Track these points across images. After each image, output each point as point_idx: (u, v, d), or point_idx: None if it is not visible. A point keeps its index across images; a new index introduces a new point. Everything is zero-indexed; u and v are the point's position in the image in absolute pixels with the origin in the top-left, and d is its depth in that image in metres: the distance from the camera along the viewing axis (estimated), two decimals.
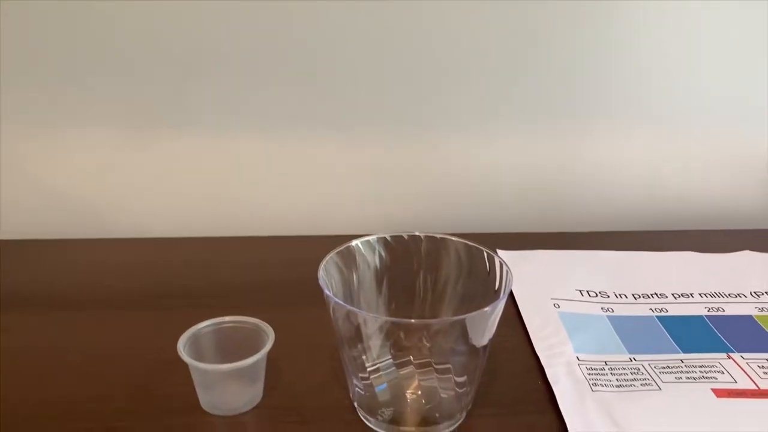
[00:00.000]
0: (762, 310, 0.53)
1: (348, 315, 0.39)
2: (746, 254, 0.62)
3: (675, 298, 0.55)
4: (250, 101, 0.64)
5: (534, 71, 0.65)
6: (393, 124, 0.67)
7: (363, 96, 0.65)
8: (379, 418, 0.41)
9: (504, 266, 0.42)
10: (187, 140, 0.66)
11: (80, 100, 0.63)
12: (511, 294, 0.55)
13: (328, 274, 0.42)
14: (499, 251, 0.61)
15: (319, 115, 0.66)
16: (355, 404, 0.42)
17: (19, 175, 0.66)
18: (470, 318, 0.38)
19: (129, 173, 0.67)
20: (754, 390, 0.44)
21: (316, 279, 0.40)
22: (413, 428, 0.41)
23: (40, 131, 0.64)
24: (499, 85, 0.66)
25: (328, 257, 0.42)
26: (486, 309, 0.38)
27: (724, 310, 0.53)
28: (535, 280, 0.57)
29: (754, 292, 0.56)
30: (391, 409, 0.41)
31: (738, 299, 0.55)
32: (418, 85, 0.65)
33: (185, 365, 0.41)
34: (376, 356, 0.40)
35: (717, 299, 0.55)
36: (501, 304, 0.39)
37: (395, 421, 0.41)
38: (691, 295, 0.55)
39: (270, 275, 0.59)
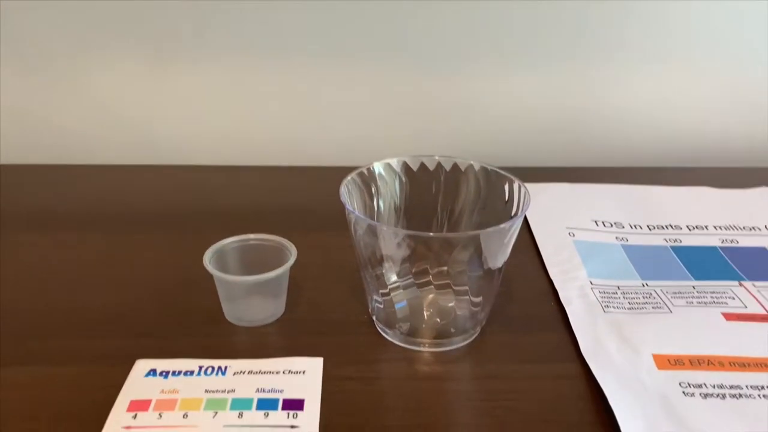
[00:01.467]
0: None
1: (368, 229, 0.40)
2: (763, 190, 0.62)
3: (689, 229, 0.56)
4: (272, 34, 0.65)
5: (553, 12, 0.65)
6: (414, 59, 0.67)
7: (384, 30, 0.65)
8: (397, 331, 0.42)
9: (522, 188, 0.43)
10: (208, 70, 0.66)
11: (99, 26, 0.64)
12: (527, 224, 0.56)
13: (349, 194, 0.43)
14: None
15: (343, 49, 0.66)
16: (374, 318, 0.44)
17: (39, 104, 0.67)
18: (485, 234, 0.39)
19: (157, 100, 0.68)
20: (764, 314, 0.45)
21: (337, 206, 0.41)
22: (428, 340, 0.42)
23: (56, 60, 0.65)
24: (518, 24, 0.65)
25: (349, 177, 0.43)
26: (502, 226, 0.39)
27: (737, 242, 0.54)
28: (551, 211, 0.57)
29: None
30: (408, 323, 0.42)
31: (752, 232, 0.55)
32: (439, 19, 0.65)
33: (210, 281, 0.43)
34: (396, 274, 0.41)
35: (731, 231, 0.55)
36: (517, 223, 0.40)
37: (412, 333, 0.42)
38: (705, 227, 0.56)
39: (292, 202, 0.60)
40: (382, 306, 0.43)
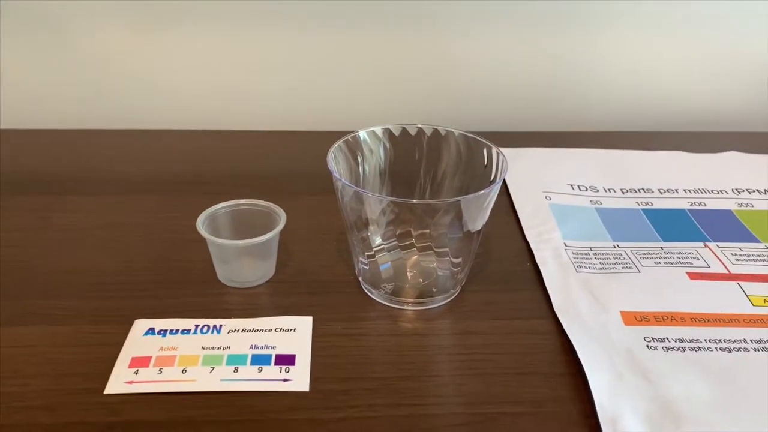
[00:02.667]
0: (741, 205, 0.57)
1: (354, 196, 0.42)
2: (732, 155, 0.64)
3: (660, 193, 0.58)
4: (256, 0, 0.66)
5: None
6: (395, 22, 0.68)
7: None
8: (381, 290, 0.45)
9: (500, 155, 0.45)
10: (199, 35, 0.67)
11: None
12: (506, 187, 0.58)
13: (336, 161, 0.45)
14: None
15: (326, 13, 0.67)
16: (360, 279, 0.46)
17: (35, 65, 0.68)
18: (465, 200, 0.41)
19: (145, 65, 0.68)
20: (725, 274, 0.48)
21: (324, 169, 0.43)
22: (411, 299, 0.45)
23: (51, 21, 0.66)
24: None
25: (336, 145, 0.45)
26: (481, 192, 0.41)
27: (705, 205, 0.57)
28: (528, 175, 0.60)
29: (735, 189, 0.59)
30: (393, 284, 0.45)
31: (720, 195, 0.58)
32: None
33: (203, 244, 0.45)
34: (381, 238, 0.43)
35: (699, 195, 0.58)
36: (495, 188, 0.42)
37: (396, 293, 0.45)
38: (675, 190, 0.59)
39: (281, 166, 0.62)
40: (367, 267, 0.45)
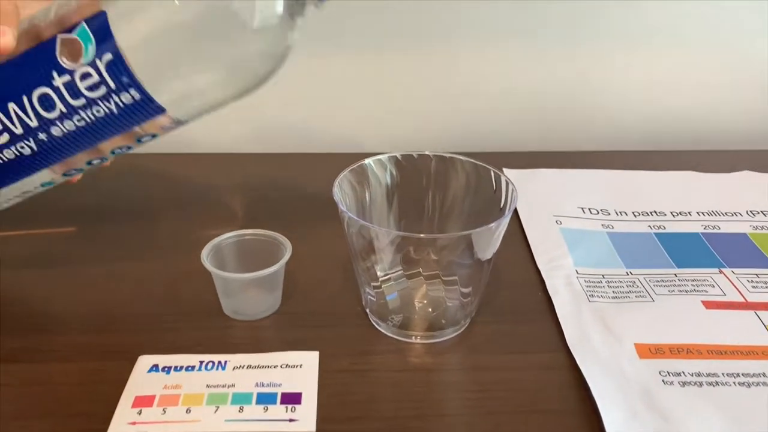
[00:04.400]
0: (756, 228, 0.56)
1: (361, 229, 0.41)
2: (746, 174, 0.63)
3: (673, 216, 0.57)
4: None
5: None
6: (402, 41, 0.67)
7: (370, 12, 0.65)
8: (389, 323, 0.44)
9: (510, 185, 0.44)
10: None
11: None
12: (516, 210, 0.57)
13: (342, 191, 0.44)
14: (504, 170, 0.63)
15: (332, 35, 0.66)
16: (367, 311, 0.45)
17: None
18: (476, 233, 0.40)
19: None
20: (742, 302, 0.47)
21: (329, 194, 0.42)
22: (420, 333, 0.44)
23: None
24: (506, 6, 0.66)
25: (341, 175, 0.45)
26: (491, 225, 0.40)
27: (719, 228, 0.56)
28: (538, 198, 0.59)
29: (750, 211, 0.58)
30: (401, 315, 0.44)
31: (734, 217, 0.57)
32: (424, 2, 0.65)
33: (208, 275, 0.44)
34: (387, 267, 0.43)
35: (713, 217, 0.57)
36: (505, 220, 0.41)
37: (404, 326, 0.44)
38: (689, 213, 0.58)
39: (287, 190, 0.61)
40: (374, 299, 0.44)
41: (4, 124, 0.41)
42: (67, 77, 0.40)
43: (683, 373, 0.41)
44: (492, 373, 0.41)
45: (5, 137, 0.41)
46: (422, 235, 0.40)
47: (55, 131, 0.41)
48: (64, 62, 0.39)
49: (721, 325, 0.45)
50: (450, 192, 0.48)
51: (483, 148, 0.69)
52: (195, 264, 0.44)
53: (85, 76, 0.39)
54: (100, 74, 0.39)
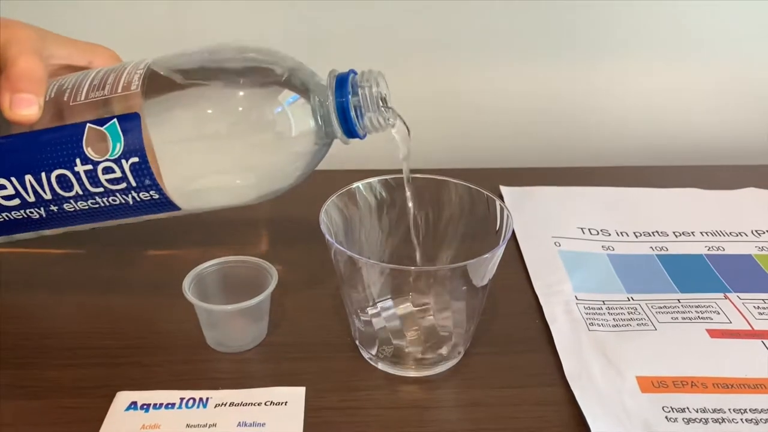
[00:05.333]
0: (762, 249, 0.54)
1: (349, 259, 0.39)
2: (750, 191, 0.61)
3: (676, 236, 0.55)
4: (253, 23, 0.63)
5: (541, 9, 0.64)
6: (399, 56, 0.65)
7: (364, 27, 0.64)
8: (380, 354, 0.42)
9: (505, 210, 0.42)
10: None
11: None
12: (513, 231, 0.55)
13: (329, 218, 0.42)
14: (501, 187, 0.61)
15: (321, 47, 0.64)
16: (357, 342, 0.43)
17: None
18: (470, 264, 0.38)
19: None
20: (748, 330, 0.45)
21: (317, 216, 0.41)
22: (412, 366, 0.42)
23: None
24: (505, 20, 0.64)
25: (329, 201, 0.43)
26: (486, 255, 0.38)
27: (724, 249, 0.54)
28: (536, 218, 0.57)
29: (756, 231, 0.56)
30: (392, 346, 0.42)
31: (738, 237, 0.55)
32: (421, 12, 0.64)
33: (189, 303, 0.42)
34: (377, 297, 0.41)
35: (717, 237, 0.55)
36: (501, 250, 0.40)
37: (395, 357, 0.42)
38: (692, 233, 0.56)
39: (273, 211, 0.59)
40: (363, 329, 0.42)
41: (17, 191, 0.41)
42: (89, 166, 0.40)
43: (687, 408, 0.39)
44: (487, 409, 0.39)
45: (16, 201, 0.41)
46: (413, 268, 0.38)
47: (68, 207, 0.41)
48: (89, 153, 0.39)
49: (726, 356, 0.43)
50: (443, 214, 0.46)
51: (480, 163, 0.67)
52: (176, 292, 0.42)
53: (108, 170, 0.40)
54: (123, 172, 0.40)
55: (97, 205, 0.41)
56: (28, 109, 0.38)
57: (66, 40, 0.45)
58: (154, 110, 0.39)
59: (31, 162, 0.40)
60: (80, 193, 0.41)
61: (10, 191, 0.41)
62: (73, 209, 0.42)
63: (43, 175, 0.40)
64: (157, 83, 0.40)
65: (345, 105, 0.41)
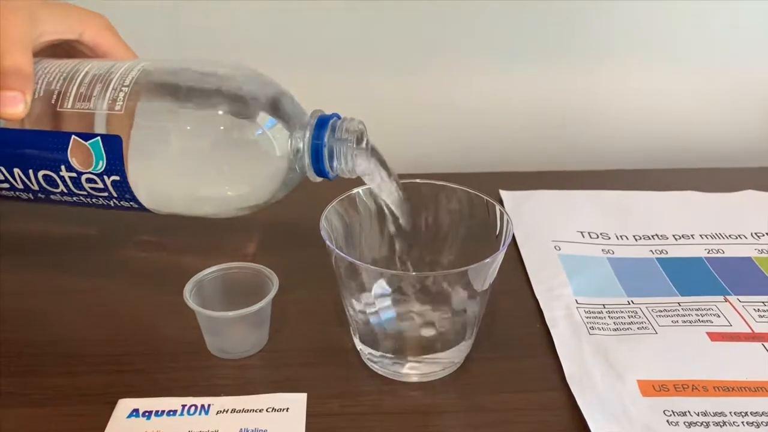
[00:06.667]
0: (762, 251, 0.54)
1: (350, 265, 0.39)
2: (749, 193, 0.61)
3: (675, 239, 0.55)
4: (254, 37, 0.63)
5: (538, 12, 0.64)
6: (398, 60, 0.66)
7: (364, 32, 0.64)
8: (381, 360, 0.42)
9: (505, 215, 0.42)
10: None
11: None
12: (513, 236, 0.55)
13: (329, 223, 0.42)
14: (501, 192, 0.61)
15: (319, 53, 0.65)
16: (358, 347, 0.44)
17: None
18: (470, 269, 0.38)
19: None
20: (748, 333, 0.45)
21: (317, 219, 0.41)
22: (414, 371, 0.42)
23: None
24: (502, 24, 0.64)
25: (329, 207, 0.43)
26: (486, 260, 0.38)
27: (723, 252, 0.54)
28: (536, 222, 0.57)
29: (755, 233, 0.56)
30: (393, 351, 0.42)
31: (738, 240, 0.55)
32: (420, 17, 0.64)
33: (191, 310, 0.43)
34: (377, 303, 0.41)
35: (717, 240, 0.55)
36: (501, 254, 0.40)
37: (396, 363, 0.42)
38: (691, 236, 0.56)
39: (274, 214, 0.59)
40: (365, 334, 0.42)
41: (6, 178, 0.43)
42: (73, 174, 0.42)
43: (689, 412, 0.39)
44: (489, 414, 0.39)
45: (6, 185, 0.44)
46: (414, 274, 0.38)
47: (55, 198, 0.44)
48: (74, 162, 0.41)
49: (727, 359, 0.43)
50: (443, 220, 0.46)
51: (480, 168, 0.67)
52: (177, 299, 0.42)
53: (90, 180, 0.42)
54: (105, 185, 0.42)
55: (82, 201, 0.44)
56: (14, 108, 0.39)
57: (56, 14, 0.45)
58: (136, 135, 0.41)
59: (19, 158, 0.42)
60: (65, 191, 0.43)
61: (0, 177, 0.43)
62: (60, 199, 0.44)
63: (30, 171, 0.42)
64: (141, 103, 0.41)
65: (319, 148, 0.42)
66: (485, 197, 0.44)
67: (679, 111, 0.69)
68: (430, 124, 0.69)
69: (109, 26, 0.47)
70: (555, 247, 0.54)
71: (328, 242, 0.39)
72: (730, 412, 0.39)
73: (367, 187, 0.45)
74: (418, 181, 0.46)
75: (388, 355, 0.42)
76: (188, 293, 0.42)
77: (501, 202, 0.60)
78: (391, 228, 0.44)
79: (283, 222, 0.58)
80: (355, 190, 0.44)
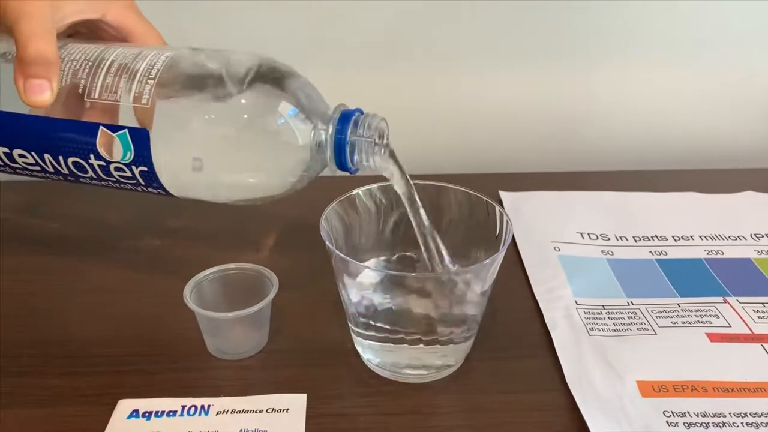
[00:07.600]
0: (761, 252, 0.54)
1: (350, 266, 0.39)
2: (748, 195, 0.62)
3: (675, 240, 0.55)
4: (251, 32, 0.63)
5: (539, 14, 0.64)
6: (399, 62, 0.66)
7: (365, 34, 0.64)
8: (381, 361, 0.42)
9: (504, 216, 0.42)
10: None
11: None
12: (512, 236, 0.55)
13: (329, 224, 0.42)
14: (501, 193, 0.61)
15: (322, 54, 0.65)
16: (358, 348, 0.44)
17: None
18: (470, 270, 0.39)
19: None
20: (747, 334, 0.45)
21: (317, 220, 0.41)
22: (413, 371, 0.42)
23: None
24: (503, 21, 0.64)
25: (329, 207, 0.43)
26: (486, 261, 0.38)
27: (723, 253, 0.54)
28: (536, 223, 0.57)
29: (755, 234, 0.56)
30: (392, 352, 0.42)
31: (738, 241, 0.55)
32: (419, 19, 0.64)
33: (190, 311, 0.43)
34: (377, 303, 0.41)
35: (716, 241, 0.55)
36: (500, 255, 0.40)
37: (396, 363, 0.42)
38: (691, 237, 0.56)
39: (273, 215, 0.59)
40: (364, 335, 0.42)
41: (37, 162, 0.44)
42: (102, 162, 0.42)
43: (688, 413, 0.39)
44: (488, 415, 0.40)
45: (37, 168, 0.44)
46: (413, 275, 0.38)
47: (84, 181, 0.45)
48: (102, 152, 0.42)
49: (726, 360, 0.43)
50: (442, 221, 0.46)
51: (480, 169, 0.68)
52: (177, 300, 0.42)
53: (119, 168, 0.42)
54: (133, 174, 0.42)
55: (111, 185, 0.45)
56: (41, 96, 0.39)
57: None
58: (161, 124, 0.41)
59: (49, 145, 0.43)
60: (94, 176, 0.44)
61: (31, 161, 0.44)
62: (89, 182, 0.45)
63: (60, 158, 0.43)
64: (166, 94, 0.41)
65: (342, 142, 0.42)
66: (485, 198, 0.44)
67: (678, 112, 0.69)
68: (430, 125, 0.69)
69: (132, 5, 0.47)
70: (554, 248, 0.54)
71: (327, 243, 0.40)
72: (730, 413, 0.39)
73: (366, 188, 0.45)
74: (418, 181, 0.45)
75: (388, 355, 0.42)
76: (188, 294, 0.42)
77: (501, 203, 0.60)
78: (414, 222, 0.44)
79: (283, 223, 0.58)
80: (354, 191, 0.45)
